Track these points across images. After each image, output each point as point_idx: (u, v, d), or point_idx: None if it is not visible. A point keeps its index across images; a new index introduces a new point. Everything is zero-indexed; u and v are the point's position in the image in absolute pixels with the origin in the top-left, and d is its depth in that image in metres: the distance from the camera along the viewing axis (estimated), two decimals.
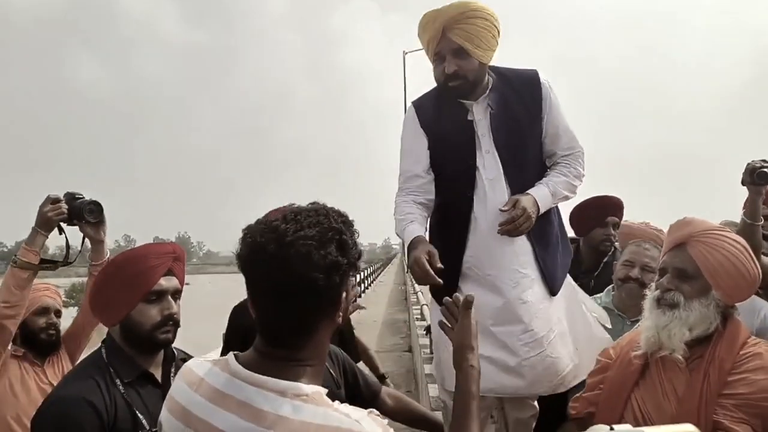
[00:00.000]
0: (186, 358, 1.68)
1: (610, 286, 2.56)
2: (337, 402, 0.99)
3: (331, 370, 1.87)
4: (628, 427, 0.58)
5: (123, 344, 1.56)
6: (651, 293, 1.61)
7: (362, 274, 23.97)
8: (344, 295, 1.04)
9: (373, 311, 16.07)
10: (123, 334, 1.56)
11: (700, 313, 1.49)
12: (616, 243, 2.97)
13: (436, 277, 1.89)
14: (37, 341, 2.31)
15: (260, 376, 0.98)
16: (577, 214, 3.04)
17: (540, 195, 2.04)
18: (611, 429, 0.57)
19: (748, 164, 2.15)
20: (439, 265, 1.91)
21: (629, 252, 2.41)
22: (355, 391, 1.87)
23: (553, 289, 2.09)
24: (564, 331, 2.12)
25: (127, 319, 1.54)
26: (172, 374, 1.60)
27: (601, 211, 2.96)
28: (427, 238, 2.15)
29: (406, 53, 24.01)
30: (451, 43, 1.99)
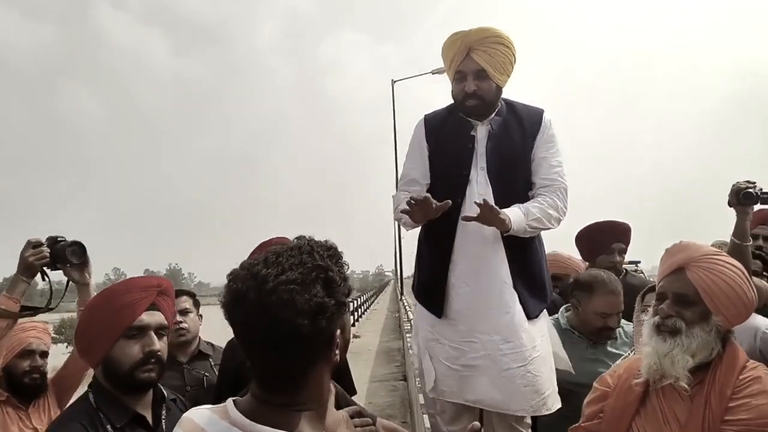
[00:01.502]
0: (176, 399, 1.62)
1: (564, 306, 2.61)
2: None
3: None
4: None
5: (107, 386, 1.47)
6: (650, 319, 1.59)
7: (356, 302, 23.79)
8: (338, 333, 0.99)
9: (367, 340, 15.91)
10: (105, 374, 1.47)
11: (702, 339, 1.48)
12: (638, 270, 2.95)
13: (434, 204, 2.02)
14: (21, 385, 2.21)
15: (260, 426, 0.93)
16: (582, 238, 2.99)
17: (511, 211, 2.12)
18: None
19: (734, 186, 2.17)
20: (439, 203, 2.04)
21: (606, 303, 2.41)
22: None
23: (528, 313, 2.15)
24: (546, 355, 2.17)
25: (108, 358, 1.45)
26: (163, 416, 1.51)
27: (606, 237, 2.87)
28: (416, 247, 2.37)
29: (395, 82, 24.25)
30: (474, 64, 2.15)
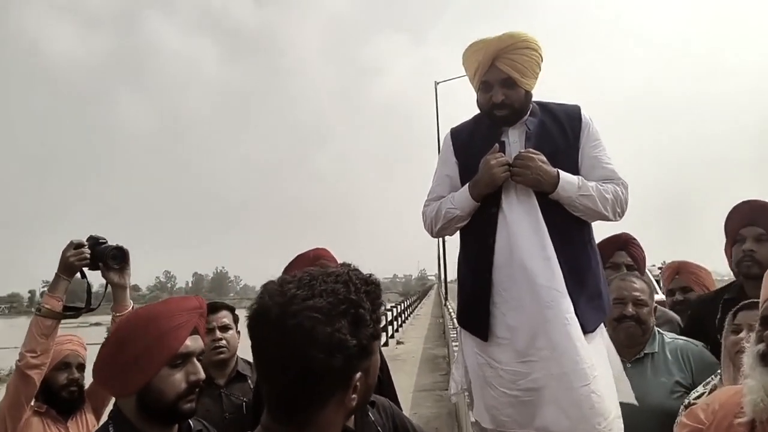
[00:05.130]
0: (202, 429, 1.50)
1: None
2: None
3: (380, 428, 1.75)
4: None
5: (137, 418, 1.34)
6: (752, 347, 1.36)
7: (399, 307, 23.64)
8: (358, 376, 0.90)
9: (410, 346, 15.73)
10: (140, 406, 1.34)
11: None
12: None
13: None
14: (59, 398, 2.19)
15: None
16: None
17: (565, 174, 2.00)
18: None
19: None
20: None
21: (617, 288, 2.24)
22: None
23: (584, 326, 1.94)
24: (606, 374, 1.95)
25: (147, 387, 1.32)
26: None
27: (735, 223, 2.37)
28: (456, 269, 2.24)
29: (438, 83, 24.08)
30: (500, 73, 2.02)
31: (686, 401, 1.85)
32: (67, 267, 2.05)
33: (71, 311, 2.11)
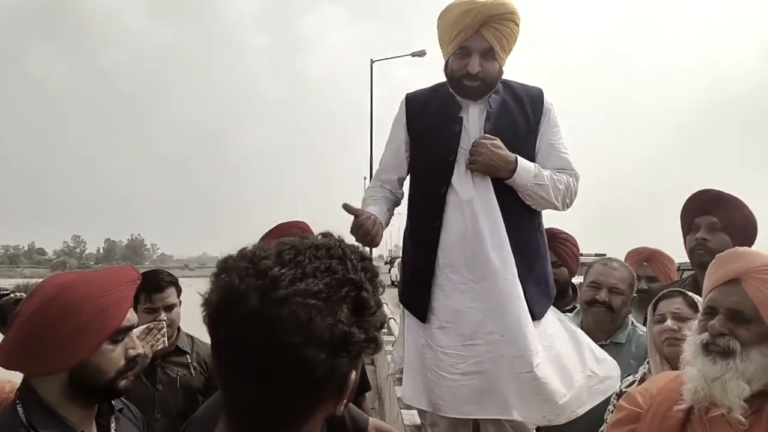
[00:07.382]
0: (123, 408, 1.39)
1: (579, 307, 2.40)
2: None
3: None
4: None
5: (59, 397, 1.20)
6: (695, 336, 1.41)
7: None
8: (353, 376, 0.72)
9: None
10: (72, 384, 1.20)
11: (761, 363, 1.29)
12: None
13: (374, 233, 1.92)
14: None
15: None
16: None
17: (523, 161, 1.95)
18: None
19: None
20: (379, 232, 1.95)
21: (595, 272, 2.27)
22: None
23: (533, 313, 1.94)
24: (554, 358, 1.95)
25: (83, 364, 1.19)
26: (112, 429, 1.31)
27: (687, 212, 2.38)
28: (401, 239, 2.18)
29: (374, 62, 23.86)
30: (483, 42, 1.93)
31: (617, 389, 1.92)
32: None
33: None
